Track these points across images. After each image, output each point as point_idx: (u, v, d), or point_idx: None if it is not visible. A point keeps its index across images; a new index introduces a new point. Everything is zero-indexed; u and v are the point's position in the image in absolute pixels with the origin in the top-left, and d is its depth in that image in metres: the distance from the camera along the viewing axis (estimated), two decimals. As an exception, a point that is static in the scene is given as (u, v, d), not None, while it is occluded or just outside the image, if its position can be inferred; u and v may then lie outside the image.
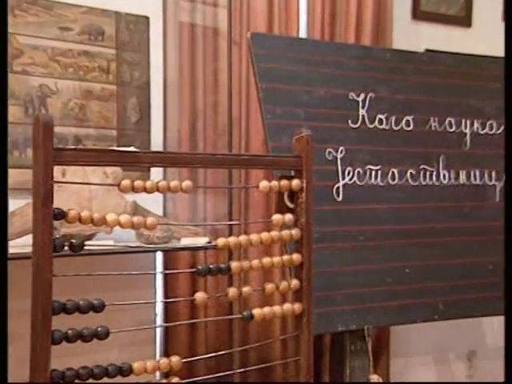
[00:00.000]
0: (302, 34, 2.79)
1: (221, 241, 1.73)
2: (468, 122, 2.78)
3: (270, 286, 1.81)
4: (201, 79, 2.65)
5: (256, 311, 1.75)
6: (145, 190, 1.58)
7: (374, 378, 2.15)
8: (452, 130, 2.74)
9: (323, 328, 2.26)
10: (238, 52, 2.68)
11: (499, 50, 3.28)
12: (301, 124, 2.32)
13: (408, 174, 2.59)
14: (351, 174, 2.47)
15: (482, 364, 3.33)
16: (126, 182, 1.57)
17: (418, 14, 3.17)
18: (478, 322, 3.18)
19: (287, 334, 2.45)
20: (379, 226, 2.49)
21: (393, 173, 2.56)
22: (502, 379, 3.29)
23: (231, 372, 1.89)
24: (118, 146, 2.41)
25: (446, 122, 2.73)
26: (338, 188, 2.43)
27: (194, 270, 1.70)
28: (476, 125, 2.80)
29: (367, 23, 2.87)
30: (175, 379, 1.59)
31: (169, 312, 2.55)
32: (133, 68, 2.52)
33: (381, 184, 2.53)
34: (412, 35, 3.17)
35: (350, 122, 2.52)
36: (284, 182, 1.88)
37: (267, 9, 2.69)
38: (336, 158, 2.45)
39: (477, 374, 3.31)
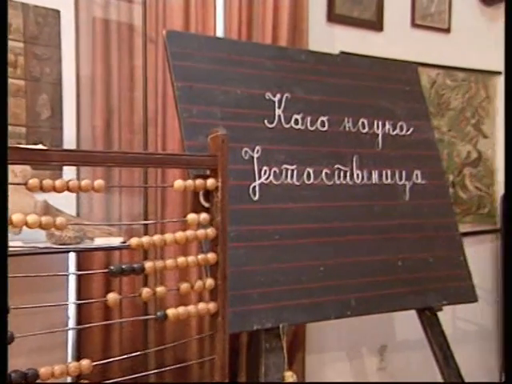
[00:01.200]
0: (219, 33, 2.79)
1: (134, 240, 1.71)
2: (380, 123, 2.85)
3: (184, 286, 1.80)
4: (115, 76, 2.59)
5: (170, 311, 1.74)
6: (54, 189, 1.54)
7: (288, 374, 2.18)
8: (365, 130, 2.81)
9: (239, 327, 2.27)
10: (155, 49, 2.64)
11: (409, 54, 3.41)
12: (217, 123, 2.32)
13: (323, 173, 2.63)
14: (267, 173, 2.48)
15: (392, 357, 3.44)
16: (33, 181, 1.52)
17: (333, 17, 3.24)
18: (388, 317, 3.29)
19: (203, 334, 2.44)
20: (295, 225, 2.52)
21: (308, 172, 2.59)
22: (411, 370, 3.45)
23: (146, 373, 1.86)
24: (28, 144, 2.33)
25: (360, 122, 2.79)
26: (255, 187, 2.44)
27: (106, 270, 1.67)
28: (387, 126, 2.88)
29: (283, 24, 2.90)
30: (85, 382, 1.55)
31: (82, 314, 2.49)
32: (43, 63, 2.44)
33: (296, 183, 2.56)
34: (327, 37, 3.23)
35: (266, 121, 2.53)
36: (199, 182, 1.87)
37: (184, 7, 2.67)
38: (252, 158, 2.46)
39: (388, 367, 3.42)
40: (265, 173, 2.48)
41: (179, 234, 1.81)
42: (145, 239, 1.73)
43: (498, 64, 3.91)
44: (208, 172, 1.91)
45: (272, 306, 2.33)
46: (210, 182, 1.88)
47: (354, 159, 2.74)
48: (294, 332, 2.90)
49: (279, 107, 2.58)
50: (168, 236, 1.78)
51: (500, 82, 3.95)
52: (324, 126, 2.68)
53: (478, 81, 3.86)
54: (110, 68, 2.58)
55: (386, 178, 2.82)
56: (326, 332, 3.20)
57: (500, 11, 3.92)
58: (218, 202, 1.88)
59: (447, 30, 3.69)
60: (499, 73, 3.93)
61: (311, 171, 2.60)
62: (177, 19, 2.63)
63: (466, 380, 2.76)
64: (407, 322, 2.98)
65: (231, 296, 2.17)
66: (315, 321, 2.61)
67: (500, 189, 3.94)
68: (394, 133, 2.90)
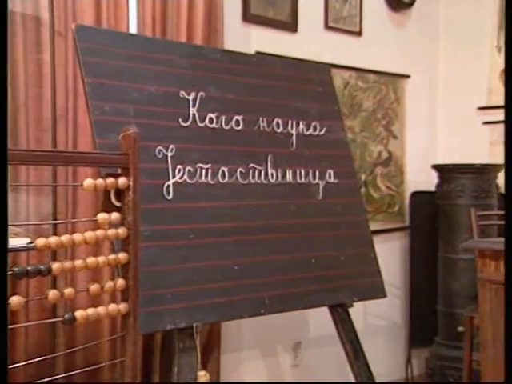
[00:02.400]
0: (133, 29, 2.74)
1: (40, 241, 1.65)
2: (294, 123, 2.89)
3: (94, 287, 1.76)
4: (22, 71, 2.49)
5: (79, 313, 1.69)
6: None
7: (201, 374, 2.18)
8: (279, 130, 2.84)
9: (152, 327, 2.24)
10: (64, 44, 2.56)
11: (322, 56, 3.48)
12: (130, 121, 2.28)
13: (237, 172, 2.64)
14: (181, 172, 2.47)
15: (306, 354, 3.50)
16: None
17: (249, 17, 3.25)
18: (303, 314, 3.34)
19: (115, 335, 2.39)
20: (209, 224, 2.51)
21: (223, 171, 2.60)
22: (324, 366, 3.52)
23: (53, 378, 1.80)
24: None
25: (274, 122, 2.82)
26: (169, 186, 2.42)
27: (9, 272, 1.60)
28: (301, 126, 2.92)
29: (199, 23, 2.89)
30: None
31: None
32: None
33: (211, 182, 2.55)
34: (243, 37, 3.24)
35: (180, 120, 2.52)
36: (110, 181, 1.84)
37: (95, 1, 2.60)
38: (166, 156, 2.44)
39: (301, 364, 3.48)
40: (179, 172, 2.46)
41: (89, 234, 1.77)
42: (52, 239, 1.68)
43: (406, 67, 4.06)
44: (120, 171, 1.88)
45: (186, 306, 2.32)
46: (122, 181, 1.85)
47: (269, 158, 2.76)
48: (208, 331, 2.89)
49: (193, 106, 2.56)
50: (77, 236, 1.73)
51: (408, 84, 4.10)
52: (239, 126, 2.69)
53: (387, 83, 3.99)
54: (15, 62, 2.48)
55: (300, 178, 2.86)
56: (241, 331, 3.21)
57: (406, 17, 4.07)
58: (130, 202, 1.85)
59: (359, 34, 3.79)
60: (407, 76, 4.08)
61: (226, 170, 2.60)
62: (87, 13, 2.55)
63: (374, 372, 2.85)
64: (321, 319, 3.04)
65: (144, 296, 2.15)
66: (229, 320, 2.62)
67: (408, 188, 4.08)
68: (308, 133, 2.94)
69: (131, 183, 1.85)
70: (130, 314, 1.79)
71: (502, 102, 4.01)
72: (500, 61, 4.03)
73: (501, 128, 4.02)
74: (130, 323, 1.78)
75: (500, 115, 4.02)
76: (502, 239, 2.79)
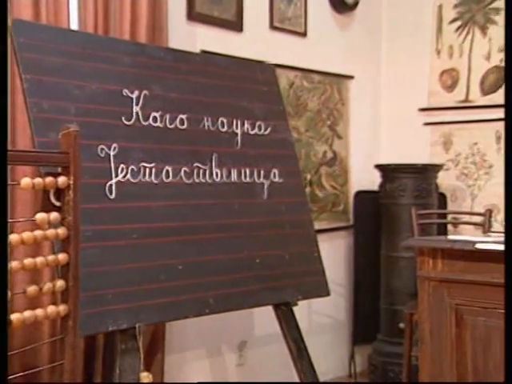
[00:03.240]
0: (74, 25, 2.68)
1: (-26, 242, 1.60)
2: (239, 122, 2.89)
3: (31, 289, 1.72)
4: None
5: (15, 316, 1.65)
6: None
7: (144, 375, 2.16)
8: (224, 129, 2.84)
9: (93, 329, 2.20)
10: (2, 39, 2.48)
11: (268, 56, 3.50)
12: (71, 119, 2.24)
13: (182, 171, 2.63)
14: (125, 171, 2.44)
15: (251, 353, 3.51)
16: None
17: (193, 16, 3.24)
18: (248, 313, 3.35)
19: (54, 337, 2.34)
20: (153, 224, 2.49)
21: (167, 171, 2.58)
22: (269, 365, 3.54)
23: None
24: None
25: (219, 121, 2.82)
26: (111, 186, 2.38)
27: None
28: (246, 125, 2.93)
29: (142, 20, 2.85)
30: None
31: None
32: None
33: (155, 182, 2.53)
34: (188, 36, 3.23)
35: (123, 118, 2.49)
36: (49, 180, 1.80)
37: (33, -5, 2.53)
38: (109, 155, 2.40)
39: (246, 363, 3.49)
40: (122, 171, 2.43)
41: (26, 234, 1.73)
42: (-13, 240, 1.62)
43: (350, 68, 4.13)
44: (60, 170, 1.84)
45: (128, 307, 2.29)
46: (61, 180, 1.82)
47: (214, 158, 2.76)
48: (152, 332, 2.87)
49: (137, 104, 2.54)
50: (13, 236, 1.69)
51: (352, 85, 4.16)
52: (183, 125, 2.68)
53: (332, 84, 4.04)
54: None
55: (245, 177, 2.87)
56: (186, 331, 3.19)
57: (350, 18, 4.13)
58: (70, 201, 1.82)
59: (304, 34, 3.83)
60: (351, 77, 4.14)
61: (170, 169, 2.59)
62: (25, 8, 2.48)
63: (318, 369, 2.88)
64: (266, 318, 3.05)
65: (85, 297, 2.11)
66: (173, 320, 2.61)
67: (353, 187, 4.15)
68: (253, 132, 2.95)
69: (71, 182, 1.82)
70: (70, 315, 1.76)
71: (441, 104, 4.14)
72: (439, 63, 4.14)
73: (441, 129, 4.13)
74: (69, 325, 1.75)
75: (440, 116, 4.13)
76: (441, 237, 2.86)
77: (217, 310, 2.60)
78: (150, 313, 2.36)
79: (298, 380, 2.85)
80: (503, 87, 3.89)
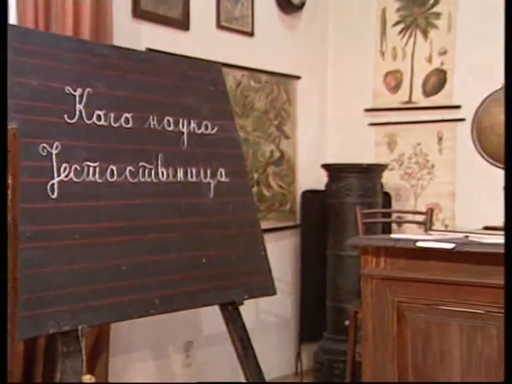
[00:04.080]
0: (12, 20, 2.61)
1: None
2: (185, 121, 2.87)
3: (-33, 292, 1.67)
4: None
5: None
6: None
7: (87, 378, 2.12)
8: (170, 128, 2.81)
9: (34, 331, 2.14)
10: None
11: (215, 55, 3.49)
12: (11, 117, 2.18)
13: (127, 171, 2.59)
14: (67, 170, 2.39)
15: (198, 353, 3.50)
16: None
17: (139, 13, 3.20)
18: (195, 313, 3.33)
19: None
20: (97, 224, 2.45)
21: (111, 170, 2.54)
22: (216, 365, 3.53)
23: None
24: None
25: (165, 120, 2.79)
26: (53, 185, 2.33)
27: None
28: (193, 124, 2.91)
29: (86, 17, 2.80)
30: None
31: None
32: None
33: (99, 181, 2.49)
34: (133, 33, 3.19)
35: (66, 116, 2.44)
36: (-14, 178, 1.75)
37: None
38: (51, 154, 2.35)
39: (193, 363, 3.47)
40: (64, 170, 2.38)
41: (-38, 236, 1.67)
42: None
43: (297, 68, 4.16)
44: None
45: (71, 308, 2.25)
46: None
47: (159, 157, 2.73)
48: (97, 333, 2.82)
49: (80, 102, 2.49)
50: None
51: (299, 85, 4.19)
52: (128, 123, 2.65)
53: (279, 84, 4.06)
54: None
55: (191, 176, 2.85)
56: (132, 332, 3.16)
57: (297, 19, 4.17)
58: (9, 201, 1.77)
59: (251, 34, 3.84)
60: (298, 77, 4.17)
61: (115, 168, 2.55)
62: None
63: (265, 368, 2.89)
64: (213, 317, 3.05)
65: (26, 299, 2.07)
66: (117, 321, 2.57)
67: (300, 186, 4.18)
68: (199, 131, 2.94)
69: (10, 181, 1.78)
70: (9, 318, 1.71)
71: (385, 105, 4.22)
72: (383, 65, 4.22)
73: (385, 129, 4.21)
74: (8, 328, 1.70)
75: (384, 117, 4.21)
76: (384, 236, 2.92)
77: (162, 311, 2.58)
78: (93, 314, 2.32)
79: (244, 380, 2.86)
80: (444, 89, 4.00)
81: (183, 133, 2.87)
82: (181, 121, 2.86)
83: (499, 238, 2.19)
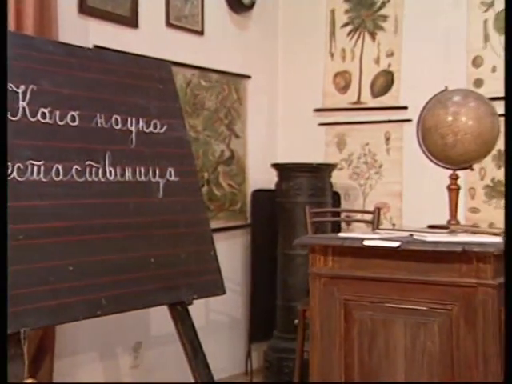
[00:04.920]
0: None
1: None
2: (134, 120, 2.84)
3: None
4: None
5: None
6: None
7: (28, 382, 2.07)
8: (118, 127, 2.78)
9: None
10: None
11: (164, 53, 3.46)
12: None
13: (73, 170, 2.55)
14: (10, 169, 2.33)
15: (147, 354, 3.47)
16: None
17: (85, 9, 3.15)
18: (144, 313, 3.30)
19: None
20: (42, 224, 2.40)
21: (57, 169, 2.49)
22: (166, 366, 3.51)
23: None
24: None
25: (113, 119, 2.76)
26: (-5, 184, 2.27)
27: None
28: (141, 123, 2.88)
29: (29, 11, 2.74)
30: None
31: None
32: None
33: (44, 180, 2.44)
34: (80, 30, 3.14)
35: (8, 114, 2.37)
36: None
37: None
38: (-7, 152, 2.28)
39: (142, 364, 3.44)
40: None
41: None
42: None
43: (248, 68, 4.17)
44: None
45: (13, 311, 2.18)
46: None
47: (107, 156, 2.70)
48: (41, 336, 2.76)
49: (23, 99, 2.43)
50: None
51: (249, 84, 4.20)
52: (74, 121, 2.60)
53: (229, 83, 4.06)
54: None
55: (140, 176, 2.82)
56: (78, 333, 3.10)
57: (247, 19, 4.17)
58: None
59: (201, 33, 3.82)
60: (249, 76, 4.18)
61: (60, 168, 2.51)
62: None
63: (215, 368, 2.89)
64: (163, 317, 3.02)
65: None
66: (62, 323, 2.52)
67: (250, 186, 4.19)
68: (148, 130, 2.91)
69: None
70: None
71: (335, 105, 4.27)
72: (333, 66, 4.26)
73: (335, 129, 4.26)
74: None
75: (334, 117, 4.26)
76: (331, 235, 2.95)
77: (110, 311, 2.54)
78: (37, 316, 2.27)
79: (193, 380, 2.84)
80: (392, 90, 4.07)
81: (131, 132, 2.84)
82: (129, 119, 2.83)
83: (442, 237, 2.24)
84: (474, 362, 1.97)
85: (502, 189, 3.72)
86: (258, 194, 4.12)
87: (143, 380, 3.41)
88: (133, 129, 2.84)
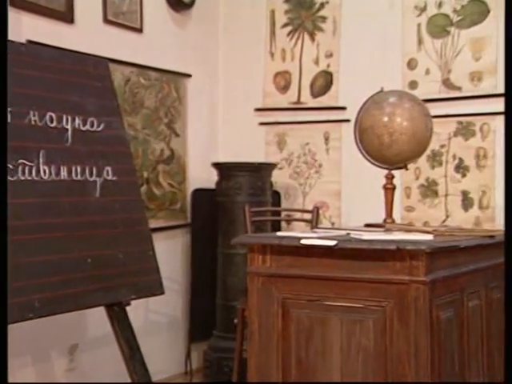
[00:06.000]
0: None
1: None
2: (69, 117, 2.79)
3: None
4: None
5: None
6: None
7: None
8: (53, 125, 2.72)
9: None
10: None
11: (101, 50, 3.40)
12: None
13: (5, 168, 2.48)
14: None
15: (83, 356, 3.40)
16: None
17: (17, 3, 3.05)
18: (81, 314, 3.23)
19: None
20: (-29, 224, 2.32)
21: (-13, 167, 2.41)
22: (103, 368, 3.44)
23: None
24: None
25: (47, 116, 2.70)
26: None
27: None
28: (77, 121, 2.83)
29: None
30: None
31: None
32: None
33: (-27, 179, 2.36)
34: (12, 24, 3.03)
35: None
36: None
37: None
38: None
39: (78, 367, 3.37)
40: None
41: None
42: None
43: (188, 66, 4.14)
44: None
45: None
46: None
47: (41, 154, 2.63)
48: (-29, 341, 2.66)
49: (-49, 96, 2.34)
50: None
51: (190, 83, 4.17)
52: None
53: (169, 81, 4.03)
54: None
55: (76, 175, 2.77)
56: (10, 337, 2.99)
57: (187, 17, 4.15)
58: None
59: (140, 30, 3.77)
60: (189, 75, 4.15)
61: (-9, 166, 2.42)
62: None
63: (154, 368, 2.86)
64: (100, 318, 2.97)
65: None
66: (-8, 327, 2.44)
67: (190, 185, 4.16)
68: (85, 128, 2.86)
69: None
70: None
71: (275, 105, 4.29)
72: (273, 65, 4.29)
73: (275, 129, 4.28)
74: None
75: (274, 117, 4.28)
76: (270, 234, 2.96)
77: (43, 314, 2.48)
78: (-35, 320, 2.19)
79: (130, 381, 2.81)
80: (331, 91, 4.12)
81: (67, 129, 2.78)
82: (64, 117, 2.77)
83: (378, 235, 2.28)
84: (406, 357, 2.01)
85: (436, 188, 3.83)
86: (198, 193, 4.11)
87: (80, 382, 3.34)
88: (68, 127, 2.79)
